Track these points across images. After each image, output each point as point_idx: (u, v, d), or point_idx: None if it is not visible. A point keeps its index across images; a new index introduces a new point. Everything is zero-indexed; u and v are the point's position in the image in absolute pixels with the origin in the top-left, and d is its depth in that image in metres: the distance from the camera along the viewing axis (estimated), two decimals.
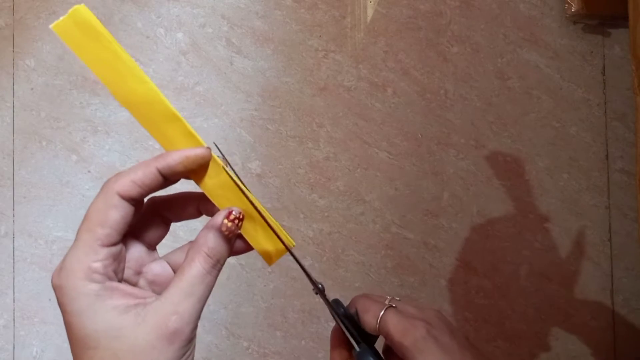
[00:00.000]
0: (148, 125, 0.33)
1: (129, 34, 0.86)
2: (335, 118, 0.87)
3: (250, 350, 0.84)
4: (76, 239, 0.31)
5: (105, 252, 0.31)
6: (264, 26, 0.88)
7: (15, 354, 0.84)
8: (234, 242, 0.34)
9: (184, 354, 0.31)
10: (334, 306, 0.38)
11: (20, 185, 0.85)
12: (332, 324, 0.89)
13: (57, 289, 0.31)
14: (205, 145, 0.34)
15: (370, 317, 0.36)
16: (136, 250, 0.34)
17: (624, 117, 0.89)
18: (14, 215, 0.85)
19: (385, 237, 0.87)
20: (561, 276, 0.88)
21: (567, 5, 0.86)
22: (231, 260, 0.79)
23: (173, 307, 0.30)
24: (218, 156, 0.35)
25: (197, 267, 0.32)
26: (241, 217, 0.34)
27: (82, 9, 0.31)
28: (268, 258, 0.36)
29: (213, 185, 0.34)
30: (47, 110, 0.86)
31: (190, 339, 0.31)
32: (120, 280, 0.33)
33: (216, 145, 0.36)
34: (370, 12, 0.88)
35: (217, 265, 0.32)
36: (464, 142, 0.88)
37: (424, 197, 0.87)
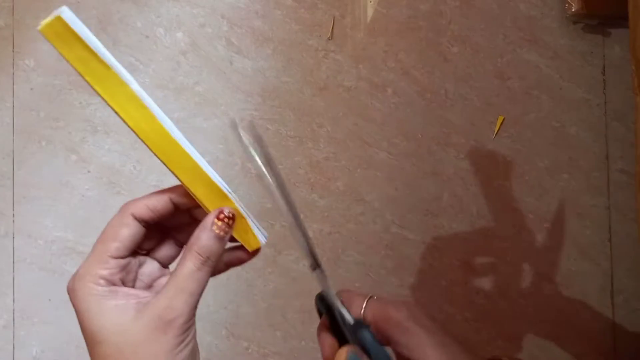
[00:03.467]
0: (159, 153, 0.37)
1: (128, 34, 0.86)
2: (335, 118, 0.87)
3: (250, 350, 0.84)
4: (92, 250, 0.36)
5: (113, 262, 0.35)
6: (264, 26, 0.87)
7: (15, 354, 0.84)
8: (227, 240, 0.37)
9: (180, 342, 0.34)
10: (326, 294, 0.40)
11: (20, 185, 0.85)
12: None
13: (70, 292, 0.35)
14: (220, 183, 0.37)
15: (356, 307, 0.39)
16: (150, 267, 0.39)
17: (624, 117, 0.89)
18: (13, 215, 0.85)
19: (385, 237, 0.87)
20: (561, 276, 0.88)
21: (567, 5, 0.86)
22: None
23: (167, 301, 0.34)
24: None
25: (187, 265, 0.35)
26: (231, 215, 0.37)
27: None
28: (249, 245, 0.39)
29: (215, 205, 0.37)
30: (47, 110, 0.86)
31: (184, 330, 0.34)
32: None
33: (237, 127, 0.37)
34: (370, 12, 0.88)
35: (208, 262, 0.35)
36: (464, 142, 0.88)
37: (424, 197, 0.87)
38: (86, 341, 0.34)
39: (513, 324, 0.88)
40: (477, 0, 0.89)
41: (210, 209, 0.37)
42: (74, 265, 0.85)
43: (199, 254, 0.35)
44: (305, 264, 0.85)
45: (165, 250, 0.40)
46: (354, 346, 0.38)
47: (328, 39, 0.88)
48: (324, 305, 0.40)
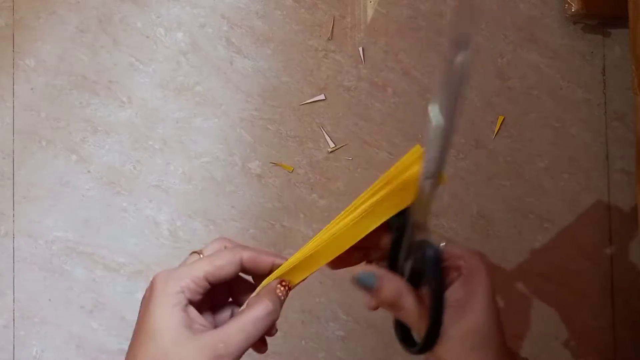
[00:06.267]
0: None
1: (129, 34, 0.86)
2: (335, 118, 0.87)
3: (250, 350, 0.84)
4: (196, 260, 0.39)
5: (205, 283, 0.37)
6: (264, 26, 0.88)
7: (15, 354, 0.84)
8: (283, 304, 0.41)
9: None
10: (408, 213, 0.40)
11: (20, 185, 0.85)
12: (333, 324, 0.89)
13: (160, 282, 0.37)
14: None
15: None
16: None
17: (624, 117, 0.89)
18: (13, 215, 0.85)
19: None
20: (561, 276, 0.88)
21: (567, 5, 0.86)
22: None
23: (225, 337, 0.36)
24: None
25: (258, 309, 0.38)
26: (290, 285, 0.41)
27: None
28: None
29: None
30: (47, 110, 0.86)
31: None
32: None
33: None
34: (370, 12, 0.88)
35: (273, 314, 0.39)
36: (464, 142, 0.88)
37: None
38: (139, 328, 0.36)
39: (513, 324, 0.88)
40: (477, 0, 0.89)
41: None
42: (74, 265, 0.85)
43: (267, 304, 0.38)
44: None
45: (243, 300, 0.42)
46: (367, 266, 0.40)
47: (328, 39, 0.88)
48: (400, 220, 0.40)
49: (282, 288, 0.40)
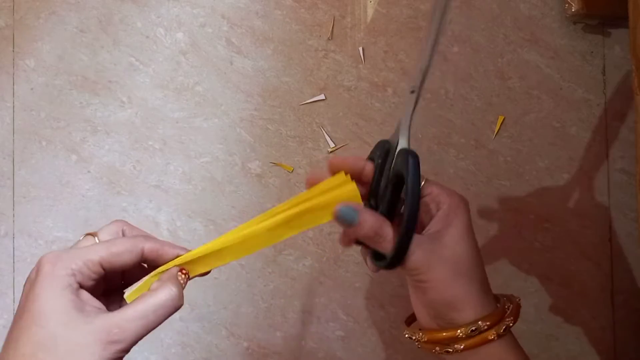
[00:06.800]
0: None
1: (128, 34, 0.86)
2: (335, 118, 0.87)
3: (250, 350, 0.84)
4: (92, 244, 0.37)
5: (99, 269, 0.35)
6: (264, 26, 0.88)
7: None
8: (183, 289, 0.39)
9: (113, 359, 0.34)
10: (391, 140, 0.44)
11: (20, 185, 0.85)
12: (333, 324, 0.89)
13: (46, 263, 0.35)
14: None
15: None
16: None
17: (624, 117, 0.89)
18: (13, 216, 0.85)
19: None
20: (561, 276, 0.88)
21: (567, 5, 0.86)
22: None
23: (121, 322, 0.34)
24: None
25: (157, 296, 0.35)
26: (190, 275, 0.39)
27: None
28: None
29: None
30: (47, 111, 0.86)
31: (123, 350, 0.34)
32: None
33: None
34: (370, 12, 0.88)
35: (175, 301, 0.36)
36: (464, 142, 0.88)
37: None
38: (22, 312, 0.35)
39: None
40: (477, 0, 0.89)
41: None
42: None
43: (174, 287, 0.36)
44: (305, 263, 0.85)
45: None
46: (347, 202, 0.40)
47: (328, 39, 0.88)
48: (385, 146, 0.42)
49: (182, 276, 0.38)
